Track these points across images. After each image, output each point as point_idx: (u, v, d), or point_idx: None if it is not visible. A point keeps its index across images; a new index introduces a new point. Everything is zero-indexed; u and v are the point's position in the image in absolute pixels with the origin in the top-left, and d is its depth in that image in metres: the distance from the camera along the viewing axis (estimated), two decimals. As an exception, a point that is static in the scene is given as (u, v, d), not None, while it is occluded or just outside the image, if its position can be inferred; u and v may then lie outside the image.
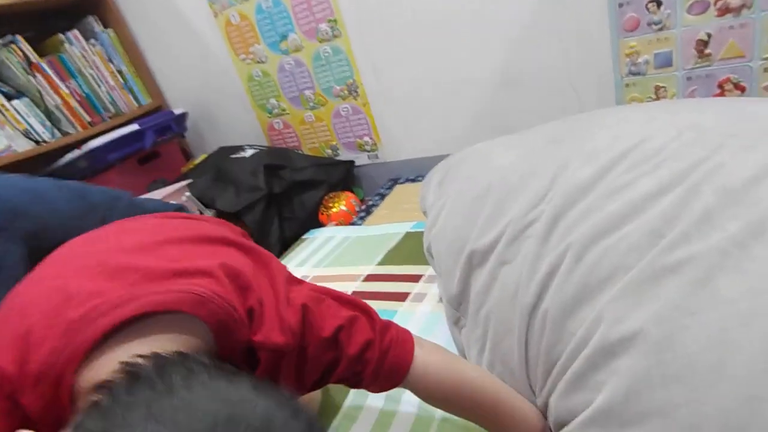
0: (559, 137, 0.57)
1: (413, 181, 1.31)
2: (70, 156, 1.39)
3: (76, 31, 1.50)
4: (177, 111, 1.55)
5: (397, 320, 0.65)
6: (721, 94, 0.87)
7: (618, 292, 0.37)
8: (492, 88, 1.11)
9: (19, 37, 1.38)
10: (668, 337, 0.33)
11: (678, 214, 0.38)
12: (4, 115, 1.33)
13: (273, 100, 1.48)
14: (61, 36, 1.47)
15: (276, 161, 1.28)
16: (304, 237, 1.14)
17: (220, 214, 1.26)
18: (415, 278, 0.74)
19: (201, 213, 1.26)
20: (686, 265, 0.36)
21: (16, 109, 1.36)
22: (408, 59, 1.19)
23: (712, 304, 0.34)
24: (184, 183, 1.20)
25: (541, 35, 1.00)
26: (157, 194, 1.23)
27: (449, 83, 1.17)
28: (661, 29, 0.87)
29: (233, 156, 1.42)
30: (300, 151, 1.52)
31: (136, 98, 1.67)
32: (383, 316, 0.66)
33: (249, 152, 1.39)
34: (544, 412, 0.42)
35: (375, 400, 0.54)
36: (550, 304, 0.40)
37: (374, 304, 0.70)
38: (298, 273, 0.93)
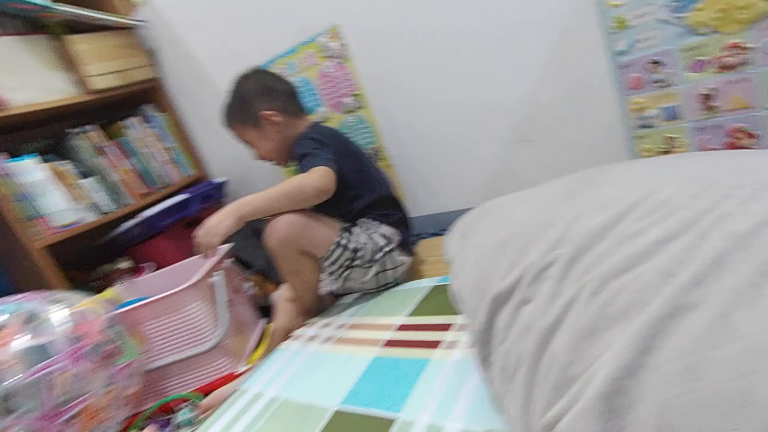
0: (572, 190, 0.62)
1: (435, 235, 1.36)
2: (126, 224, 1.53)
3: (136, 118, 1.70)
4: (219, 180, 1.69)
5: (430, 367, 0.69)
6: (733, 143, 0.90)
7: (637, 325, 0.40)
8: (506, 145, 1.18)
9: (89, 127, 1.58)
10: (693, 368, 0.36)
11: (689, 257, 0.42)
12: (75, 191, 1.50)
13: (307, 166, 1.61)
14: (123, 123, 1.67)
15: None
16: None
17: (261, 271, 1.34)
18: (446, 327, 0.77)
19: (241, 274, 1.35)
20: (703, 303, 0.39)
21: (85, 186, 1.52)
22: (426, 124, 1.29)
23: (732, 338, 0.37)
24: (225, 247, 1.29)
25: (549, 95, 1.07)
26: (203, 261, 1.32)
27: (466, 142, 1.25)
28: (664, 86, 0.92)
29: (267, 217, 1.52)
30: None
31: (182, 170, 1.83)
32: (417, 364, 0.70)
33: (285, 214, 1.49)
34: None
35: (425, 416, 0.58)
36: (567, 329, 0.44)
37: (408, 352, 0.74)
38: (334, 324, 0.99)
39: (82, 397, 0.75)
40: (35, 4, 1.35)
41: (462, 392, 0.61)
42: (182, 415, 0.94)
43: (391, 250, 1.06)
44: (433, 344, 0.73)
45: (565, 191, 0.62)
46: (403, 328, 0.84)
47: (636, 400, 0.37)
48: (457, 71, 1.18)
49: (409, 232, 1.16)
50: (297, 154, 1.06)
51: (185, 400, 1.00)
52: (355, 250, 1.02)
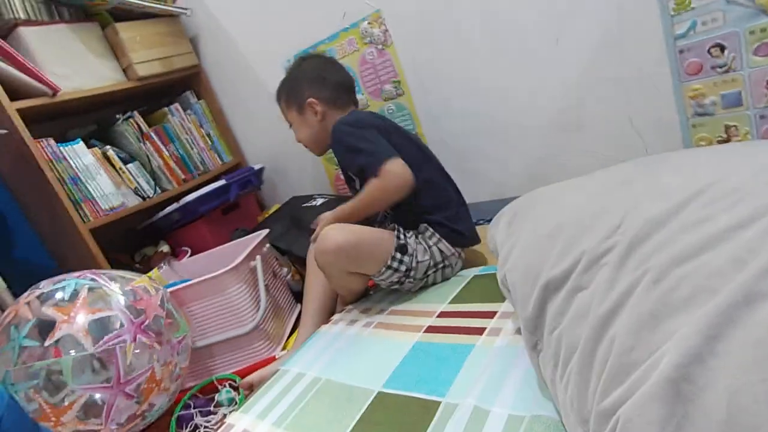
0: (628, 178, 0.61)
1: (475, 224, 1.35)
2: (168, 209, 1.58)
3: (177, 104, 1.75)
4: (256, 166, 1.72)
5: (475, 353, 0.69)
6: (800, 131, 0.87)
7: (706, 311, 0.39)
8: (551, 132, 1.16)
9: (135, 113, 1.63)
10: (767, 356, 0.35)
11: (761, 246, 0.41)
12: (120, 176, 1.55)
13: (342, 155, 1.62)
14: (165, 109, 1.72)
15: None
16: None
17: (297, 260, 1.36)
18: (490, 315, 0.77)
19: (278, 260, 1.37)
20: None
21: (129, 171, 1.58)
22: (465, 109, 1.28)
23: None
24: (263, 233, 1.32)
25: (600, 79, 1.04)
26: (242, 243, 1.35)
27: (507, 129, 1.24)
28: (726, 71, 0.88)
29: (305, 204, 1.54)
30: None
31: (220, 156, 1.87)
32: (460, 350, 0.70)
33: (319, 201, 1.51)
34: (604, 419, 0.43)
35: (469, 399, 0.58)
36: (627, 316, 0.43)
37: (451, 338, 0.75)
38: (374, 310, 1.00)
39: (144, 369, 0.79)
40: (86, -8, 1.40)
41: (508, 377, 0.61)
42: (225, 393, 0.97)
43: (444, 267, 1.02)
44: (478, 330, 0.74)
45: (620, 179, 0.61)
46: (444, 315, 0.84)
47: (704, 386, 0.37)
48: (502, 57, 1.17)
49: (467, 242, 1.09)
50: (345, 149, 1.01)
51: (227, 381, 1.03)
52: (408, 270, 0.98)
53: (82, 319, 0.76)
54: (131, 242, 1.74)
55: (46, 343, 0.73)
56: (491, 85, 1.21)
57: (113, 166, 1.56)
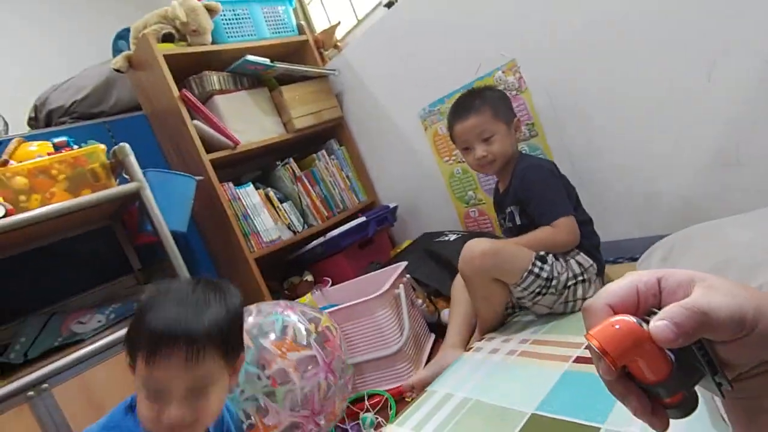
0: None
1: (613, 262, 1.32)
2: (314, 243, 1.80)
3: (323, 151, 2.01)
4: (391, 205, 1.88)
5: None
6: None
7: None
8: (704, 170, 1.12)
9: (291, 159, 1.91)
10: None
11: None
12: (278, 213, 1.82)
13: (471, 192, 1.71)
14: (314, 155, 1.98)
15: (481, 244, 1.45)
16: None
17: (435, 290, 1.45)
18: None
19: (415, 289, 1.48)
20: None
21: (284, 209, 1.84)
22: (606, 147, 1.29)
23: None
24: (403, 264, 1.44)
25: (764, 113, 0.99)
26: (384, 273, 1.49)
27: (654, 169, 1.21)
28: None
29: (437, 240, 1.64)
30: (500, 237, 1.67)
31: (357, 196, 2.08)
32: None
33: (452, 236, 1.60)
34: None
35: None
36: None
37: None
38: (515, 340, 1.04)
39: (329, 402, 0.94)
40: (264, 64, 1.72)
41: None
42: (369, 417, 1.06)
43: (584, 281, 1.07)
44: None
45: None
46: (594, 347, 0.85)
47: None
48: (647, 92, 1.16)
49: (602, 259, 1.15)
50: (536, 189, 1.12)
51: (380, 396, 1.13)
52: (549, 279, 1.04)
53: (292, 356, 0.93)
54: (280, 271, 1.99)
55: (266, 373, 0.90)
56: (634, 125, 1.21)
57: (273, 205, 1.84)
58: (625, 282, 0.29)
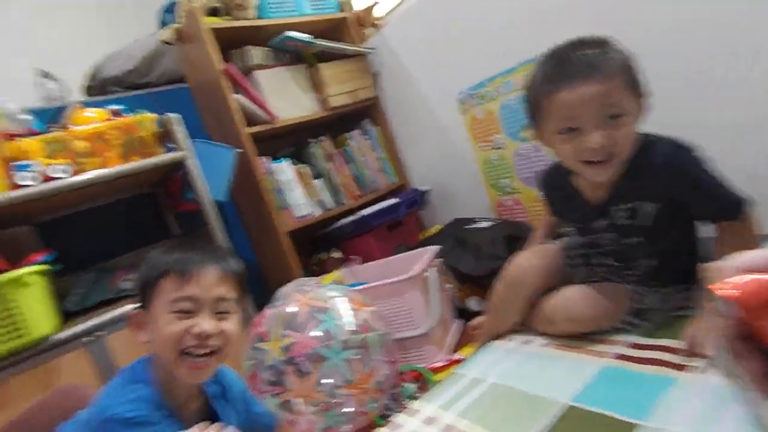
0: None
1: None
2: (345, 220, 1.81)
3: (357, 131, 2.01)
4: (423, 188, 1.88)
5: (678, 386, 0.68)
6: None
7: None
8: None
9: (324, 137, 1.92)
10: None
11: None
12: (310, 189, 1.84)
13: (506, 180, 1.69)
14: (347, 135, 1.99)
15: (515, 233, 1.44)
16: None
17: (463, 277, 1.45)
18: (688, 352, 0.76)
19: (444, 274, 1.48)
20: None
21: (316, 186, 1.86)
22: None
23: None
24: (435, 248, 1.44)
25: None
26: (415, 255, 1.49)
27: None
28: None
29: (468, 227, 1.64)
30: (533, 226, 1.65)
31: (387, 177, 2.08)
32: (658, 380, 0.70)
33: (484, 224, 1.59)
34: None
35: None
36: None
37: (646, 368, 0.75)
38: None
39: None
40: (303, 41, 1.72)
41: (723, 417, 0.60)
42: (409, 387, 1.09)
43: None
44: (678, 366, 0.73)
45: None
46: (638, 346, 0.84)
47: None
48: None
49: None
50: (705, 178, 0.80)
51: (415, 372, 1.15)
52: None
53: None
54: (307, 247, 2.02)
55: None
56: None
57: (305, 181, 1.86)
58: (759, 253, 0.29)
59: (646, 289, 0.91)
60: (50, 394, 0.79)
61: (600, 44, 0.80)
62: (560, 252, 1.04)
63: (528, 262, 1.02)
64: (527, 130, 1.51)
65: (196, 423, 0.73)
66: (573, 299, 0.94)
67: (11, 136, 1.24)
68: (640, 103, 0.81)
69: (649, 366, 0.76)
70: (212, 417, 0.79)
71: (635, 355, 0.81)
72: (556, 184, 1.01)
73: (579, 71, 0.77)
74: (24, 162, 1.16)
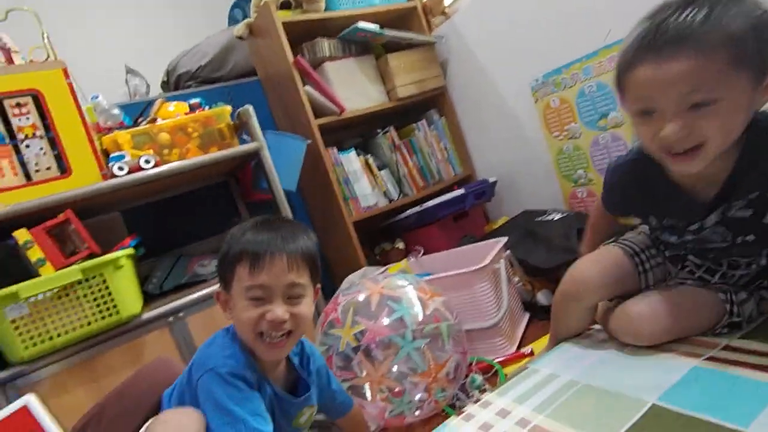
0: None
1: None
2: (410, 211, 1.81)
3: (423, 121, 1.99)
4: (491, 179, 1.83)
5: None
6: None
7: None
8: None
9: (391, 128, 1.93)
10: None
11: None
12: (375, 181, 1.86)
13: (581, 171, 1.60)
14: (413, 125, 1.98)
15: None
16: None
17: (533, 270, 1.41)
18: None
19: (513, 266, 1.44)
20: None
21: (382, 177, 1.87)
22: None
23: None
24: (503, 240, 1.40)
25: None
26: (484, 246, 1.46)
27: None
28: None
29: (539, 219, 1.57)
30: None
31: (453, 168, 2.05)
32: (761, 386, 0.64)
33: (556, 216, 1.52)
34: None
35: None
36: None
37: (742, 371, 0.69)
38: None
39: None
40: (373, 31, 1.73)
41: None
42: (478, 378, 1.07)
43: None
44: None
45: None
46: (729, 348, 0.78)
47: None
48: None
49: None
50: None
51: (483, 363, 1.14)
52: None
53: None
54: (371, 237, 2.04)
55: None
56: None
57: (371, 171, 1.87)
58: None
59: (744, 294, 0.83)
60: (147, 366, 0.86)
61: (716, 2, 0.61)
62: (628, 255, 0.93)
63: (582, 276, 0.92)
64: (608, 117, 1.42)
65: (282, 387, 0.77)
66: (658, 311, 0.83)
67: (108, 130, 1.35)
68: (755, 90, 0.63)
69: (745, 369, 0.70)
70: (297, 384, 0.83)
71: (727, 358, 0.74)
72: (645, 179, 0.82)
73: (666, 43, 0.61)
74: (118, 153, 1.26)
